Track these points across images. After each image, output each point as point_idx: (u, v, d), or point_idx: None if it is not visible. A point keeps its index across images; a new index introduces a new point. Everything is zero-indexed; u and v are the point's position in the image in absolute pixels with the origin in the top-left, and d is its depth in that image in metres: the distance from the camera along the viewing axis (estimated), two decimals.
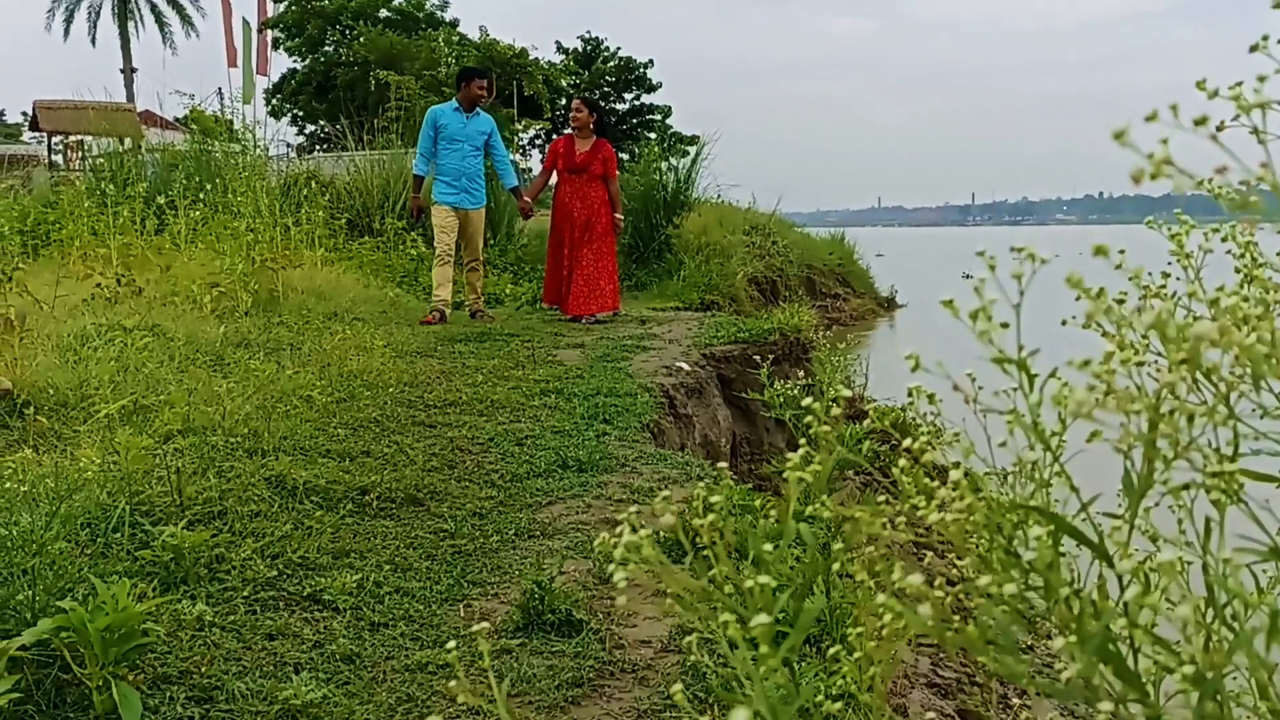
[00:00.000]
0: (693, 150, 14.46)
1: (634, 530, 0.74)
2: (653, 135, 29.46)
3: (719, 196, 15.10)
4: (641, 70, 32.01)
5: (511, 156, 10.51)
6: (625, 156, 24.93)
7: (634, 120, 32.03)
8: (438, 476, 3.91)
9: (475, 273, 8.52)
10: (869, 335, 15.33)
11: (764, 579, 0.63)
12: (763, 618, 0.58)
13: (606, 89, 31.44)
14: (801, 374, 5.38)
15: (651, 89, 32.30)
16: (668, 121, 31.89)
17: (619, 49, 32.28)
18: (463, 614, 2.79)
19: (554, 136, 21.32)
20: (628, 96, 32.30)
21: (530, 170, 23.20)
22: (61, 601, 2.08)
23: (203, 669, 2.29)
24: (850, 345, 9.25)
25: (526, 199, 8.72)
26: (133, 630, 2.05)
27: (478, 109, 8.28)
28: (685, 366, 6.49)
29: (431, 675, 2.41)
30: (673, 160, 14.12)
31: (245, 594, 2.71)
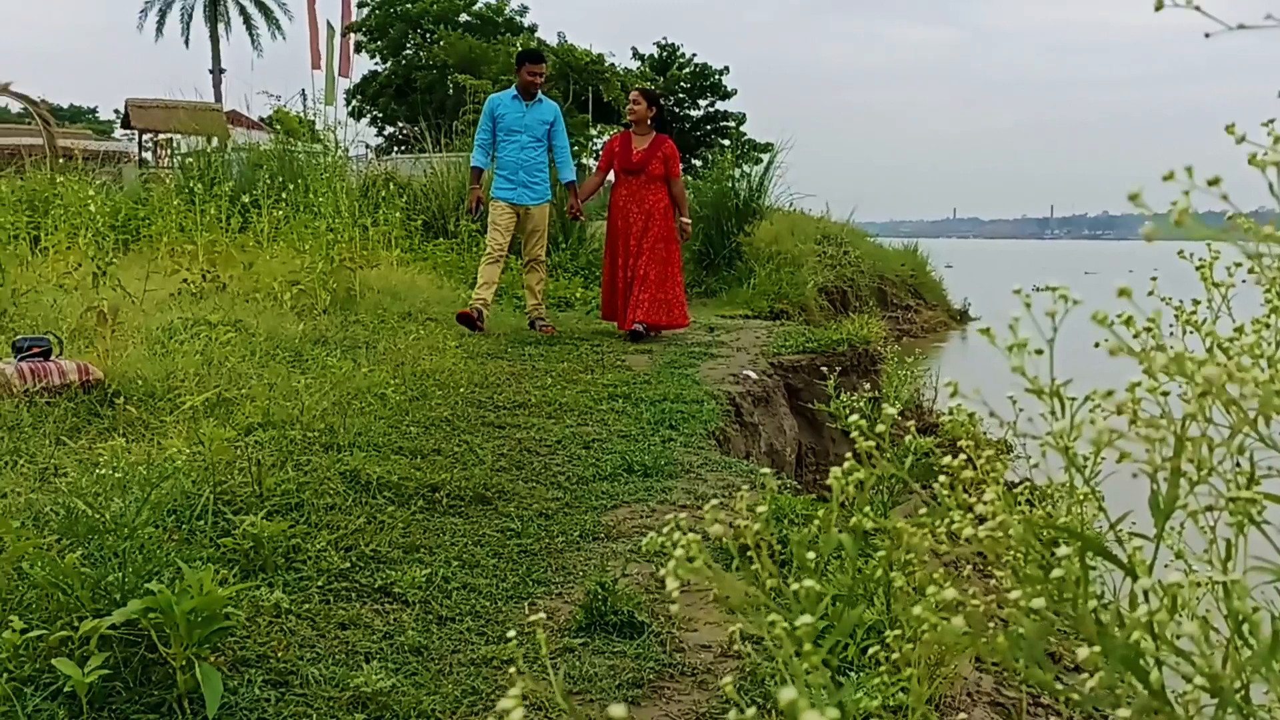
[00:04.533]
0: (766, 157, 14.45)
1: (684, 533, 0.79)
2: (727, 142, 29.48)
3: (791, 205, 15.07)
4: (717, 77, 32.01)
5: (586, 161, 10.34)
6: (698, 163, 24.92)
7: (708, 127, 32.05)
8: (506, 476, 3.99)
9: (534, 274, 7.85)
10: (940, 348, 15.18)
11: (809, 583, 0.68)
12: (807, 618, 0.63)
13: (681, 95, 31.51)
14: (869, 386, 5.38)
15: (726, 96, 32.28)
16: (742, 129, 31.86)
17: (694, 55, 32.30)
18: (527, 612, 2.86)
19: None
20: (702, 103, 32.33)
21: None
22: (149, 584, 2.19)
23: (279, 654, 2.39)
24: (919, 358, 9.19)
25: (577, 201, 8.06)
26: (215, 614, 2.14)
27: (540, 96, 7.74)
28: (753, 375, 6.52)
29: (496, 670, 2.48)
30: (745, 167, 14.11)
31: (320, 584, 2.81)
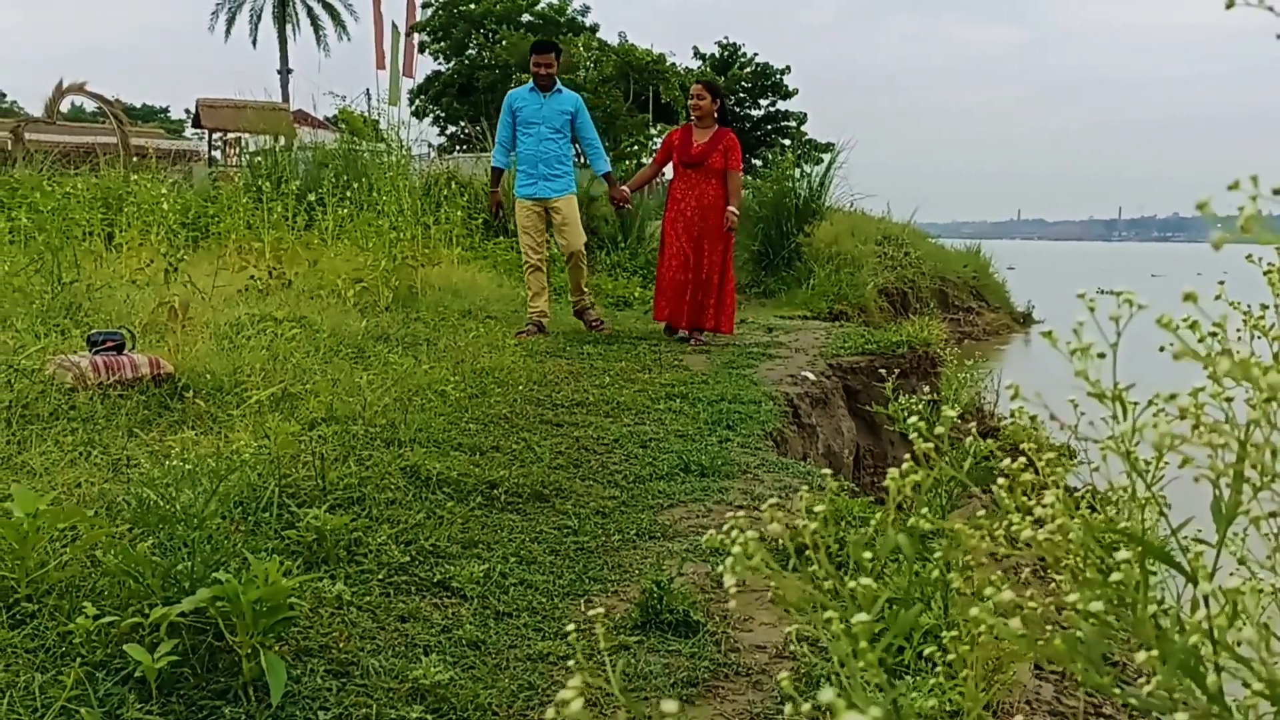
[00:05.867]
0: (827, 157, 14.36)
1: (742, 531, 0.80)
2: (787, 142, 29.32)
3: (852, 205, 14.97)
4: (778, 76, 31.88)
5: (646, 161, 10.19)
6: (759, 163, 24.82)
7: (769, 127, 31.92)
8: (563, 474, 4.02)
9: (577, 270, 7.61)
10: (1002, 350, 14.97)
11: (865, 581, 0.69)
12: (863, 615, 0.64)
13: (742, 95, 31.42)
14: (929, 388, 5.32)
15: (787, 95, 32.14)
16: (803, 129, 31.68)
17: (755, 55, 32.23)
18: (584, 609, 2.88)
19: None
20: (763, 103, 32.21)
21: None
22: (217, 573, 2.24)
23: (340, 645, 2.43)
24: (980, 361, 9.07)
25: (622, 187, 7.77)
26: (280, 604, 2.19)
27: (560, 87, 7.48)
28: (811, 376, 6.49)
29: (553, 665, 2.50)
30: (806, 167, 14.03)
31: (380, 577, 2.85)
